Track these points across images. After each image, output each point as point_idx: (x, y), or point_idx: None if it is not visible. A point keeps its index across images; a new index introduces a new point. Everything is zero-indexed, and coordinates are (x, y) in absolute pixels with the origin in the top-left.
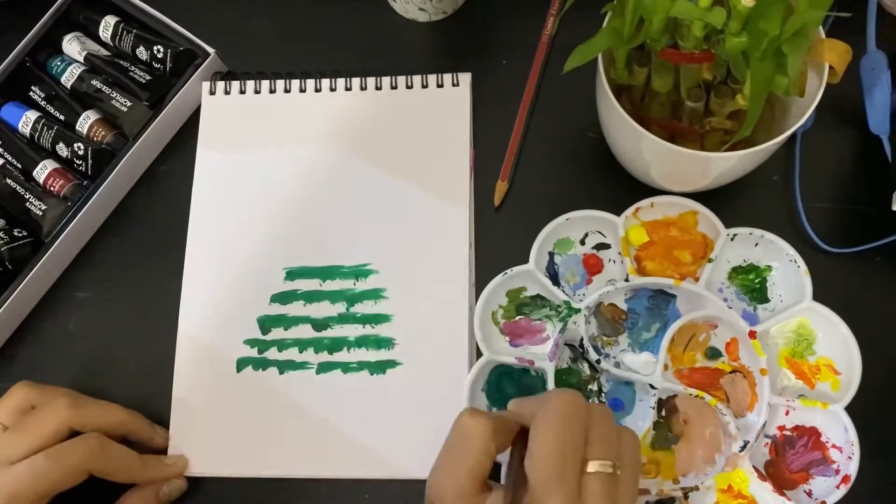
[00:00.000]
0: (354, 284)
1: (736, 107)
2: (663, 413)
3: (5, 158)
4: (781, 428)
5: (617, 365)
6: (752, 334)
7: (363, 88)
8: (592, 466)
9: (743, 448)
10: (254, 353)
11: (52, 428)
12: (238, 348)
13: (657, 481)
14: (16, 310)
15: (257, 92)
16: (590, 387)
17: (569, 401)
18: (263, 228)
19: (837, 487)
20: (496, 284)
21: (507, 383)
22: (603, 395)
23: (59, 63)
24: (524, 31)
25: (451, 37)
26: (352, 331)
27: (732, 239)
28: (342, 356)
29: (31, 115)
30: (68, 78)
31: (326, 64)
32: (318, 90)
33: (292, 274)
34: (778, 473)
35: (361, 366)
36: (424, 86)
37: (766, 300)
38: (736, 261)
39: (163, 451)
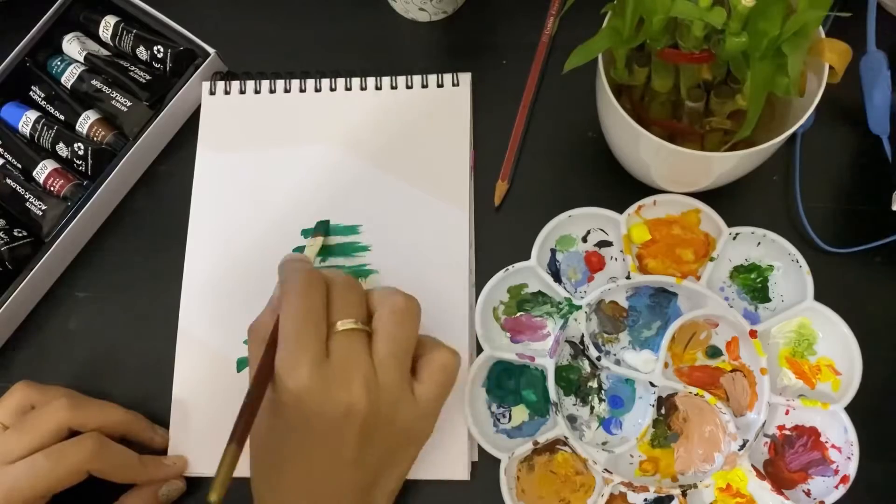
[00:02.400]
0: None
1: (736, 107)
2: (663, 411)
3: (5, 158)
4: (781, 427)
5: (617, 362)
6: (753, 333)
7: (363, 88)
8: (339, 326)
9: (742, 447)
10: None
11: (51, 428)
12: (238, 348)
13: (656, 479)
14: (16, 310)
15: (257, 92)
16: (590, 384)
17: (303, 275)
18: (263, 228)
19: (836, 487)
20: (498, 280)
21: (507, 379)
22: (603, 392)
23: (59, 63)
24: (524, 31)
25: (451, 37)
26: None
27: (734, 238)
28: None
29: (31, 115)
30: (68, 78)
31: (326, 64)
32: (318, 90)
33: None
34: (777, 473)
35: None
36: (424, 86)
37: (768, 299)
38: (738, 260)
39: (163, 451)
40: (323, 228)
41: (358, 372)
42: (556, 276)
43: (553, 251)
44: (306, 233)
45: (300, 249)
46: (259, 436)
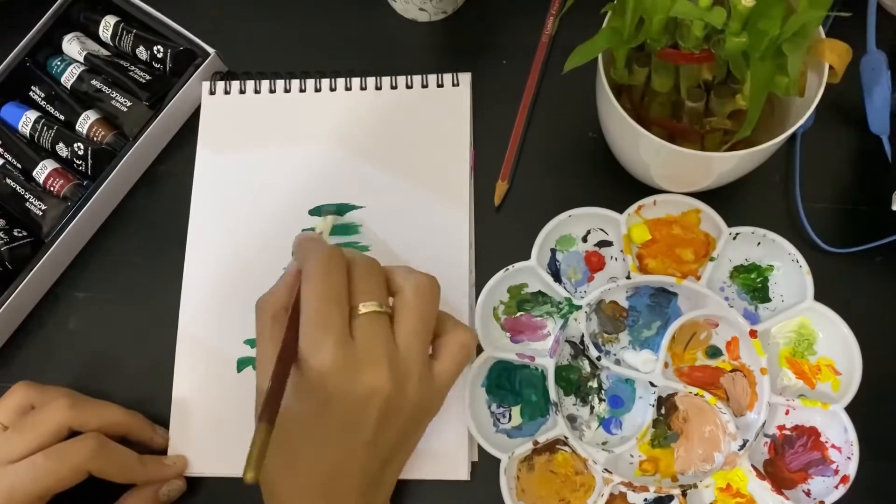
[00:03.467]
0: None
1: (736, 107)
2: (663, 411)
3: (5, 158)
4: (781, 427)
5: (617, 362)
6: (753, 333)
7: (363, 88)
8: (362, 309)
9: (742, 447)
10: (254, 353)
11: (51, 428)
12: (238, 348)
13: (656, 479)
14: (16, 310)
15: (257, 92)
16: (590, 384)
17: (325, 256)
18: (263, 228)
19: (836, 487)
20: (498, 280)
21: (507, 379)
22: (603, 392)
23: (59, 63)
24: (524, 31)
25: (451, 37)
26: None
27: (735, 238)
28: None
29: (31, 115)
30: (68, 78)
31: (326, 64)
32: (318, 90)
33: None
34: (777, 473)
35: None
36: (424, 86)
37: (768, 299)
38: (738, 260)
39: (163, 451)
40: (335, 208)
41: (383, 354)
42: (556, 275)
43: (553, 251)
44: (315, 211)
45: (311, 231)
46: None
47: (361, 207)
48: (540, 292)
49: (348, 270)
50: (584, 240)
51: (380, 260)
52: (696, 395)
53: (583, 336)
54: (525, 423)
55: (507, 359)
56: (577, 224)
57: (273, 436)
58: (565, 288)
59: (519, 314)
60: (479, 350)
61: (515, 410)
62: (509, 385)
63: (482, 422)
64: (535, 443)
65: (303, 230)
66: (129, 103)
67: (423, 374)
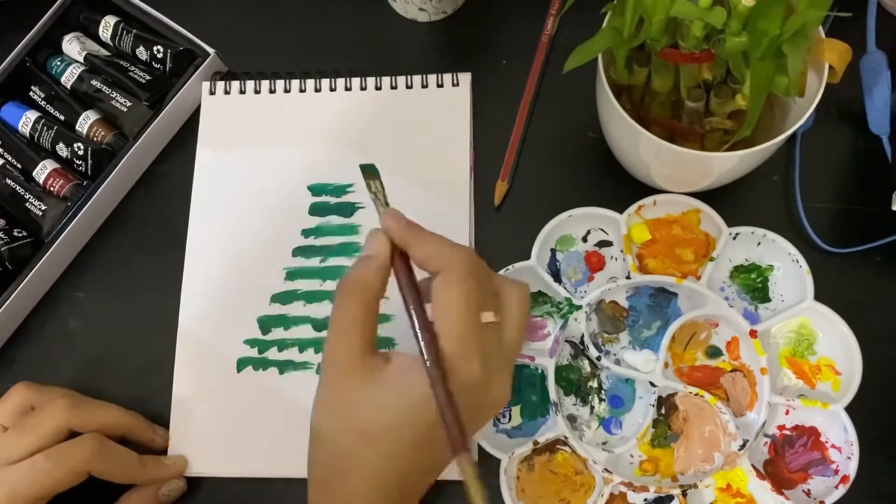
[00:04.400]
0: None
1: (736, 107)
2: (663, 411)
3: (5, 158)
4: (781, 427)
5: (617, 362)
6: (753, 333)
7: (363, 88)
8: (484, 318)
9: (742, 447)
10: (254, 353)
11: (51, 429)
12: (238, 348)
13: (656, 479)
14: (16, 310)
15: (257, 92)
16: (590, 384)
17: (474, 262)
18: (263, 228)
19: (836, 487)
20: None
21: None
22: (603, 392)
23: (59, 63)
24: (524, 31)
25: (451, 37)
26: None
27: (734, 238)
28: None
29: (31, 115)
30: (68, 78)
31: (326, 64)
32: (318, 90)
33: (292, 274)
34: (777, 473)
35: None
36: (424, 86)
37: (768, 299)
38: (738, 260)
39: (163, 451)
40: (372, 170)
41: (506, 366)
42: (557, 275)
43: (553, 251)
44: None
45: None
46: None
47: (361, 207)
48: (540, 292)
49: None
50: (584, 240)
51: None
52: (696, 395)
53: (583, 336)
54: (525, 423)
55: None
56: (577, 224)
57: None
58: (565, 288)
59: None
60: None
61: (515, 410)
62: None
63: None
64: (535, 443)
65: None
66: (129, 103)
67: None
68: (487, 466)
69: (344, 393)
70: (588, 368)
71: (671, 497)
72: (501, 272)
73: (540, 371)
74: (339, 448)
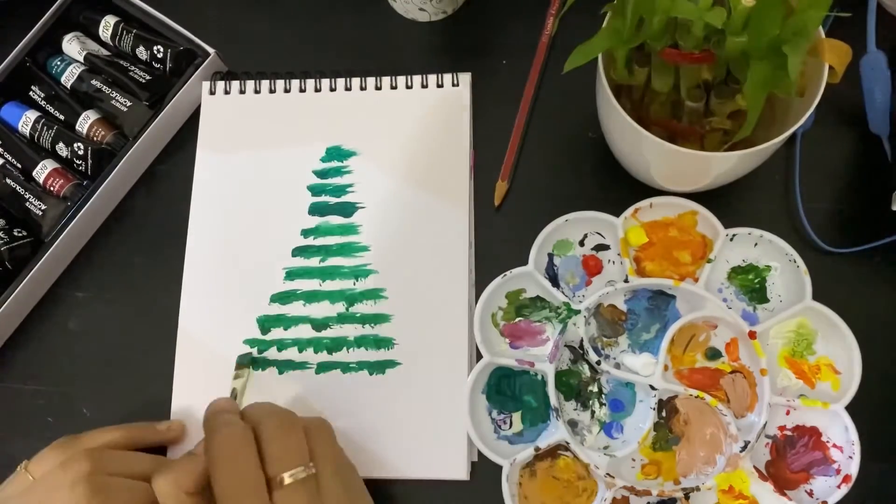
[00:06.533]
0: (354, 284)
1: (736, 107)
2: (664, 414)
3: (5, 158)
4: (782, 428)
5: (617, 366)
6: (752, 334)
7: (363, 88)
8: (286, 479)
9: (743, 448)
10: (253, 352)
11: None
12: (238, 348)
13: (658, 482)
14: (16, 310)
15: (257, 92)
16: (590, 388)
17: (224, 440)
18: (263, 228)
19: (838, 487)
20: (495, 286)
21: (507, 385)
22: (603, 396)
23: (59, 63)
24: (524, 31)
25: (451, 37)
26: (351, 331)
27: (731, 239)
28: (342, 356)
29: (31, 115)
30: (68, 78)
31: (326, 64)
32: (318, 90)
33: (292, 274)
34: (779, 474)
35: (361, 366)
36: (424, 86)
37: (766, 300)
38: (735, 261)
39: (179, 441)
40: (247, 360)
41: None
42: (554, 280)
43: (550, 255)
44: (243, 359)
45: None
46: None
47: (361, 207)
48: (538, 297)
49: (258, 438)
50: (582, 244)
51: (380, 260)
52: (696, 397)
53: (582, 340)
54: (526, 429)
55: (506, 365)
56: (574, 228)
57: None
58: (563, 292)
59: (518, 320)
60: (479, 356)
61: (516, 417)
62: (509, 391)
63: (483, 429)
64: (537, 449)
65: (213, 401)
66: (129, 103)
67: None
68: (489, 474)
69: None
70: (588, 373)
71: (674, 500)
72: (499, 278)
73: (540, 377)
74: None
